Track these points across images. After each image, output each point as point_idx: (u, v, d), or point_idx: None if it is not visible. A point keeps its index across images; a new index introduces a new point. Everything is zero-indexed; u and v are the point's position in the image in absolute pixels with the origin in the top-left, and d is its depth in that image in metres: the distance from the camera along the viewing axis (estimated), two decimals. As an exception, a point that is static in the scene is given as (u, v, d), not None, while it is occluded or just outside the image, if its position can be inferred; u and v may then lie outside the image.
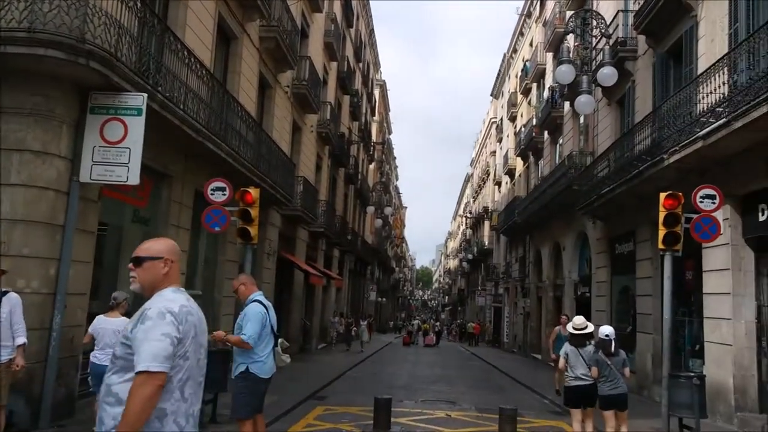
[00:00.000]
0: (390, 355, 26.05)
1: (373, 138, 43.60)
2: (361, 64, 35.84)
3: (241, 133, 12.74)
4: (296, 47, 17.97)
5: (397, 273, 78.63)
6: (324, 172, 25.34)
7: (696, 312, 11.83)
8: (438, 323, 59.73)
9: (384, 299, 59.13)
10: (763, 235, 9.94)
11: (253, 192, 9.58)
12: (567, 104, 22.20)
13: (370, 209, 37.73)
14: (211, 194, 9.58)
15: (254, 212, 9.50)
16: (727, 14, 10.93)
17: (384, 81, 50.93)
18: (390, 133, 62.17)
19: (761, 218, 9.83)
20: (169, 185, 10.74)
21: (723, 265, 10.45)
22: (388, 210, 45.28)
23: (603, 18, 16.20)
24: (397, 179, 77.37)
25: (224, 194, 9.59)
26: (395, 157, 72.15)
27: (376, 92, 46.69)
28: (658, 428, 8.33)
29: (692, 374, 8.40)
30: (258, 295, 6.23)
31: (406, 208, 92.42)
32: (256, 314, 5.98)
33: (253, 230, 9.49)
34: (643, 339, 14.10)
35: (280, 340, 6.29)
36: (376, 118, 47.24)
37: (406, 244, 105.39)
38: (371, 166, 44.41)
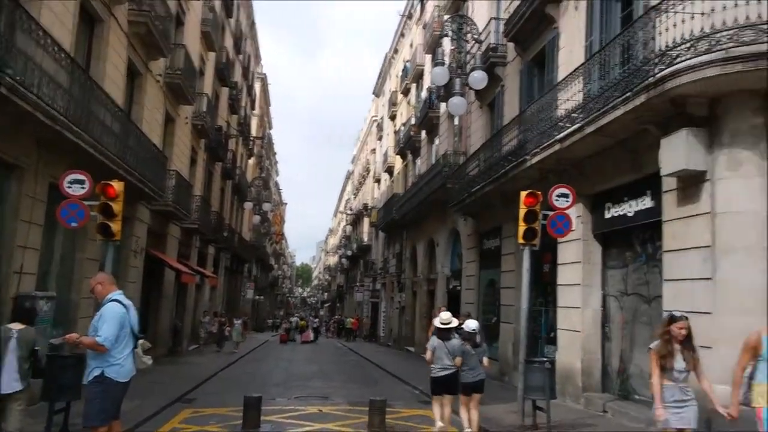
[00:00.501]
0: (266, 354, 25.63)
1: (253, 132, 42.60)
2: (241, 56, 34.87)
3: (106, 123, 11.93)
4: (170, 34, 17.12)
5: (276, 270, 77.53)
6: (199, 166, 24.37)
7: (552, 302, 12.76)
8: (317, 320, 59.65)
9: (262, 297, 58.04)
10: (608, 231, 10.96)
11: (116, 185, 9.03)
12: (443, 105, 23.03)
13: (248, 205, 36.85)
14: (68, 187, 8.92)
15: (117, 207, 8.96)
16: (584, 28, 11.85)
17: (265, 74, 49.94)
18: (271, 127, 61.10)
19: (607, 216, 10.83)
20: (19, 177, 9.82)
21: (575, 258, 11.38)
22: (267, 206, 44.48)
23: (476, 25, 17.06)
24: (277, 175, 76.26)
25: (83, 187, 8.96)
26: (276, 153, 71.05)
27: (257, 85, 45.66)
28: (515, 411, 8.91)
29: (545, 359, 9.09)
30: (117, 294, 5.87)
31: (286, 204, 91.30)
32: (114, 314, 5.63)
33: (115, 226, 8.95)
34: (506, 328, 15.01)
35: (140, 341, 5.97)
36: (257, 111, 46.19)
37: (286, 241, 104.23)
38: (250, 161, 43.38)
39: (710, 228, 7.83)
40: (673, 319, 5.45)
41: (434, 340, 8.25)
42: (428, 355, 8.28)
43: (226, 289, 34.93)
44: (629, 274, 10.43)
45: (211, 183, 27.76)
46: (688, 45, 7.43)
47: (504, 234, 15.57)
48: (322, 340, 40.75)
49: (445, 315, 8.41)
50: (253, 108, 43.67)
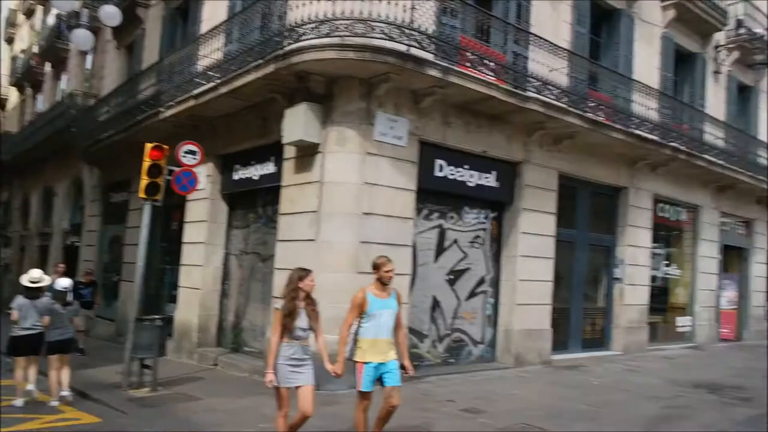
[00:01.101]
0: None
1: None
2: None
3: None
4: None
5: None
6: None
7: (179, 260, 12.59)
8: None
9: None
10: (235, 192, 11.29)
11: None
12: (74, 38, 20.33)
13: None
14: None
15: None
16: (228, -15, 11.76)
17: None
18: None
19: (235, 177, 11.14)
20: None
21: (202, 217, 11.41)
22: None
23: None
24: None
25: None
26: None
27: None
28: (121, 371, 8.55)
29: (157, 317, 8.94)
30: None
31: None
32: None
33: None
34: (126, 287, 14.20)
35: None
36: None
37: None
38: None
39: (318, 195, 8.74)
40: (302, 275, 5.32)
41: (20, 299, 7.74)
42: (14, 315, 7.67)
43: None
44: (250, 234, 10.97)
45: None
46: (313, 25, 8.05)
47: (133, 188, 14.62)
48: None
49: (36, 273, 7.99)
50: None
